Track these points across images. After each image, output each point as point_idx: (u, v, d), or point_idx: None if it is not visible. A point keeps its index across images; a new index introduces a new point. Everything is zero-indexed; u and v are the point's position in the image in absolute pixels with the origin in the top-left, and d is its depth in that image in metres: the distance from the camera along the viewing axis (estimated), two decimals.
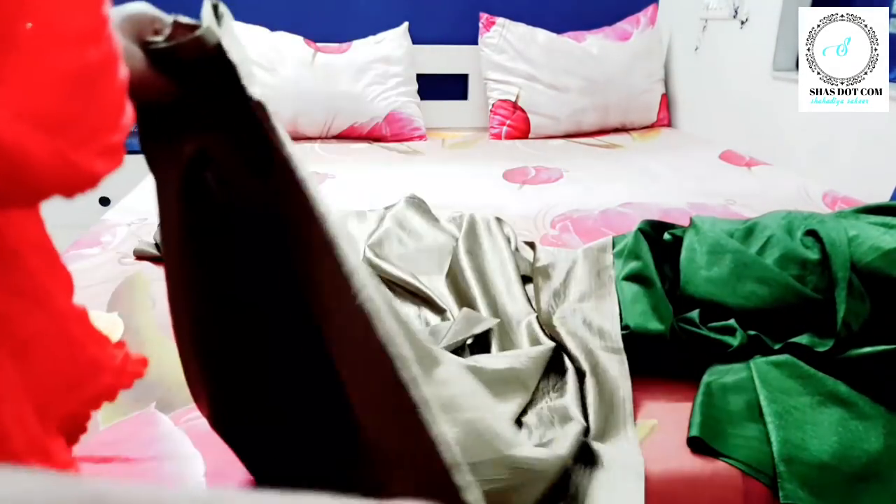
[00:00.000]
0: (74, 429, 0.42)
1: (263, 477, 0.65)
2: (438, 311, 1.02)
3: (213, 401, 0.60)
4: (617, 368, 0.82)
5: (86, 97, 0.29)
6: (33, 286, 0.36)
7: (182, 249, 0.52)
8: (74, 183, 0.29)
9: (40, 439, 0.34)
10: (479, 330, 0.90)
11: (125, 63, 0.36)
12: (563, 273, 1.05)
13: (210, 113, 0.45)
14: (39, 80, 0.27)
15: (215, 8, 0.43)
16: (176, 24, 0.44)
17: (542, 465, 0.64)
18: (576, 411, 0.75)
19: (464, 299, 1.04)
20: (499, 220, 1.26)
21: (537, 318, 0.95)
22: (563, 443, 0.69)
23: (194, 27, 0.43)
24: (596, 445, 0.72)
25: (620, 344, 0.86)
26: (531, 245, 1.22)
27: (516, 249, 1.19)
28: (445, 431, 0.29)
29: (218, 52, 0.42)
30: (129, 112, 0.32)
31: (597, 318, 0.91)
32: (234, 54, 0.41)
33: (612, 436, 0.74)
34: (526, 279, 1.08)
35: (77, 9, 0.28)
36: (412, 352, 0.32)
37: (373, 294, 0.33)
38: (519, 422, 0.77)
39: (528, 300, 1.00)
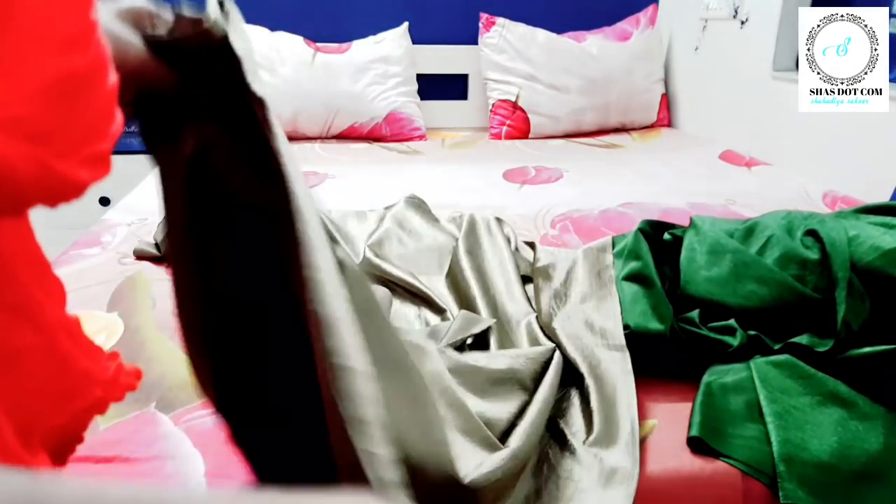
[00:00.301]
0: (67, 441, 0.41)
1: (268, 479, 0.64)
2: (438, 311, 1.02)
3: (218, 400, 0.59)
4: (619, 365, 0.82)
5: (71, 105, 0.28)
6: (24, 298, 0.35)
7: (185, 240, 0.52)
8: (58, 193, 0.28)
9: (16, 453, 0.33)
10: (477, 330, 0.90)
11: (126, 51, 0.35)
12: (563, 273, 1.04)
13: (212, 104, 0.45)
14: (22, 88, 0.26)
15: (221, 4, 0.44)
16: (178, 17, 0.44)
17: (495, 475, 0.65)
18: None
19: (464, 299, 1.04)
20: (499, 220, 1.26)
21: (537, 318, 0.95)
22: (516, 436, 0.69)
23: (197, 20, 0.43)
24: (585, 450, 0.72)
25: (623, 342, 0.86)
26: (531, 245, 1.22)
27: (516, 249, 1.19)
28: (382, 452, 0.28)
29: (224, 44, 0.42)
30: (118, 119, 0.31)
31: (598, 318, 0.91)
32: (238, 48, 0.42)
33: (613, 435, 0.74)
34: (526, 279, 1.08)
35: (63, 13, 0.27)
36: (370, 367, 0.31)
37: (331, 300, 0.32)
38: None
39: (528, 300, 1.00)
